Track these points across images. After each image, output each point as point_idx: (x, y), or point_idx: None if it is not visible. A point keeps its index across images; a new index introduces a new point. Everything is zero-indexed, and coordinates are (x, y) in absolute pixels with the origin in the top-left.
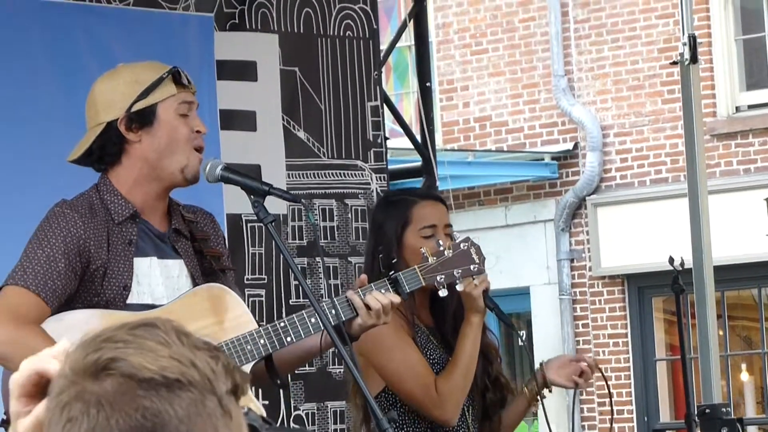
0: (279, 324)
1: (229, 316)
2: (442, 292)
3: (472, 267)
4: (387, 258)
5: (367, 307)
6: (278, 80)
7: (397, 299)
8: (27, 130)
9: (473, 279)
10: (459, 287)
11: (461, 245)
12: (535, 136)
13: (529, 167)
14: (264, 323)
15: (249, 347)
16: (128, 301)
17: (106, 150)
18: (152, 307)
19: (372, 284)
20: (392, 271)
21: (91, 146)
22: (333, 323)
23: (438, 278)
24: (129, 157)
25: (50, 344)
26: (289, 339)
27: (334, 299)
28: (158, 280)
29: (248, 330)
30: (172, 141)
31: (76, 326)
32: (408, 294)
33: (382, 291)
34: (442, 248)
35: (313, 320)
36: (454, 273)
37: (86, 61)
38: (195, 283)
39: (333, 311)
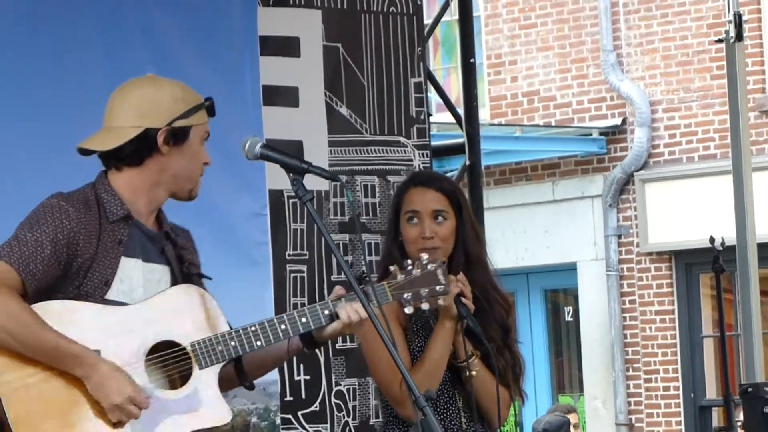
0: (250, 328)
1: (204, 317)
2: (408, 309)
3: (438, 288)
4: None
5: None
6: (321, 56)
7: (366, 317)
8: (71, 100)
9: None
10: (424, 306)
11: (428, 266)
12: (584, 111)
13: (577, 142)
14: (236, 327)
15: (220, 348)
16: (107, 296)
17: (137, 153)
18: (128, 305)
19: (344, 297)
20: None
21: (124, 145)
22: (303, 330)
23: (405, 296)
24: (151, 164)
25: (24, 308)
26: (258, 343)
27: (306, 309)
28: (139, 282)
29: (220, 331)
30: (194, 166)
31: (52, 317)
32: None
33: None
34: (409, 267)
35: (282, 327)
36: (421, 293)
37: (130, 32)
38: None
39: (303, 319)
